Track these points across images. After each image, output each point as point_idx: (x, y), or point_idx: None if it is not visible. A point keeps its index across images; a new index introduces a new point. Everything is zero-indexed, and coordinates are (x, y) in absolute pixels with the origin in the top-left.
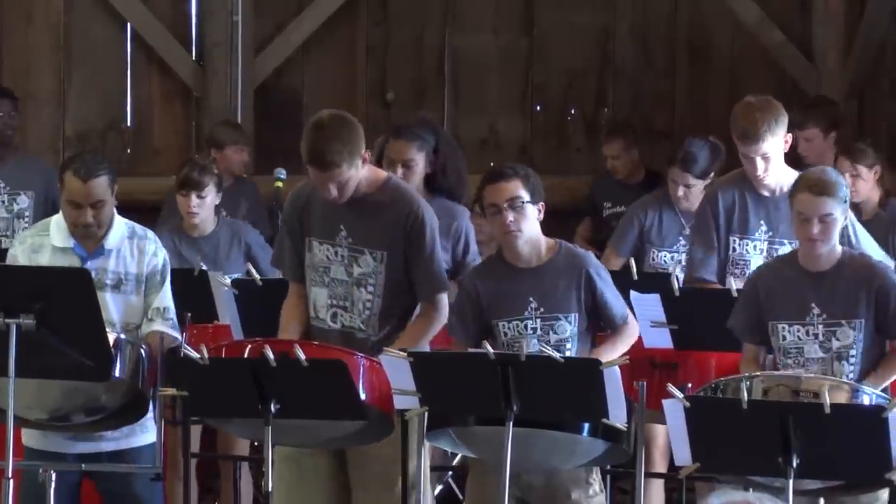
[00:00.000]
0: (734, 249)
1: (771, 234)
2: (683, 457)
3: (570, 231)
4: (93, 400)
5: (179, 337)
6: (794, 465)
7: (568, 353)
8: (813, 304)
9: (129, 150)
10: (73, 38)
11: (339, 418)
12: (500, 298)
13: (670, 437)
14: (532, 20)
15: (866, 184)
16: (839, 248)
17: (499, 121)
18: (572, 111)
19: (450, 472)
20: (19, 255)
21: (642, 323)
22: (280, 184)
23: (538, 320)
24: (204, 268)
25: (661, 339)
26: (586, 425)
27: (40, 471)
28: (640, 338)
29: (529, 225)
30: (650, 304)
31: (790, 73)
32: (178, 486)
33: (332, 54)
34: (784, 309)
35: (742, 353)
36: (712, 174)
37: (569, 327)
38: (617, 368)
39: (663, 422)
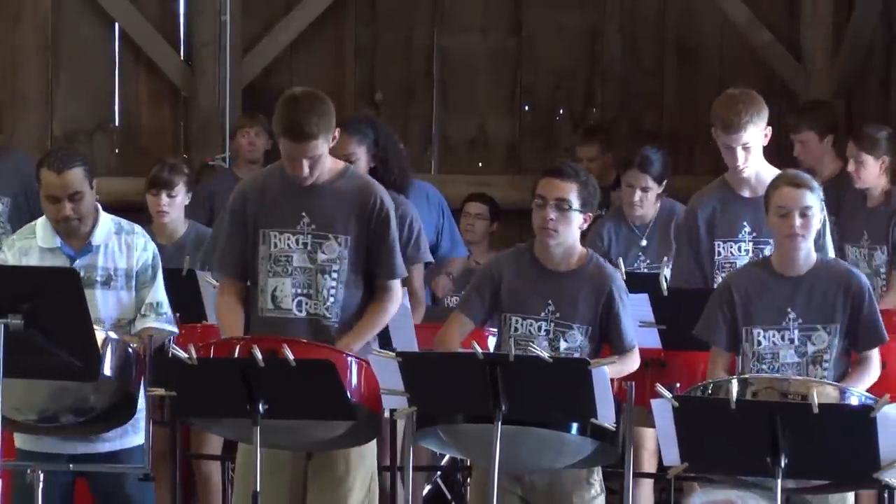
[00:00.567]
0: (719, 253)
1: (755, 234)
2: (672, 457)
3: None
4: (81, 400)
5: (175, 329)
6: (783, 464)
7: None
8: (789, 309)
9: (116, 150)
10: (61, 37)
11: (328, 418)
12: (520, 293)
13: (658, 438)
14: (520, 21)
15: (870, 173)
16: (815, 254)
17: (487, 121)
18: (561, 111)
19: (438, 472)
20: (9, 259)
21: None
22: None
23: (552, 324)
24: (191, 267)
25: (650, 339)
26: (575, 425)
27: (28, 471)
28: None
29: (569, 230)
30: (638, 304)
31: (779, 73)
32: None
33: (320, 54)
34: (761, 314)
35: (713, 359)
36: (665, 182)
37: (580, 338)
38: (606, 369)
39: (652, 423)
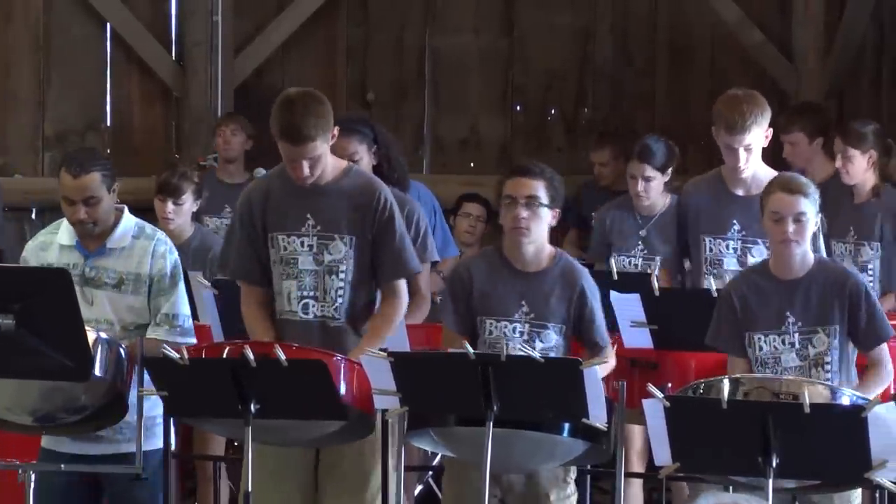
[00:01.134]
0: (710, 249)
1: (744, 232)
2: (663, 457)
3: (551, 230)
4: (72, 400)
5: (189, 342)
6: (774, 464)
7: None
8: (788, 313)
9: (108, 150)
10: (53, 37)
11: (320, 418)
12: (492, 296)
13: (650, 437)
14: (512, 21)
15: (857, 168)
16: (811, 255)
17: (479, 121)
18: (552, 111)
19: (430, 472)
20: (29, 252)
21: (622, 323)
22: None
23: (526, 325)
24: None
25: (641, 339)
26: (566, 425)
27: (20, 471)
28: (619, 338)
29: (540, 227)
30: (630, 304)
31: (770, 73)
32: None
33: (312, 54)
34: (760, 319)
35: (729, 367)
36: (670, 171)
37: (555, 337)
38: (597, 368)
39: (642, 422)
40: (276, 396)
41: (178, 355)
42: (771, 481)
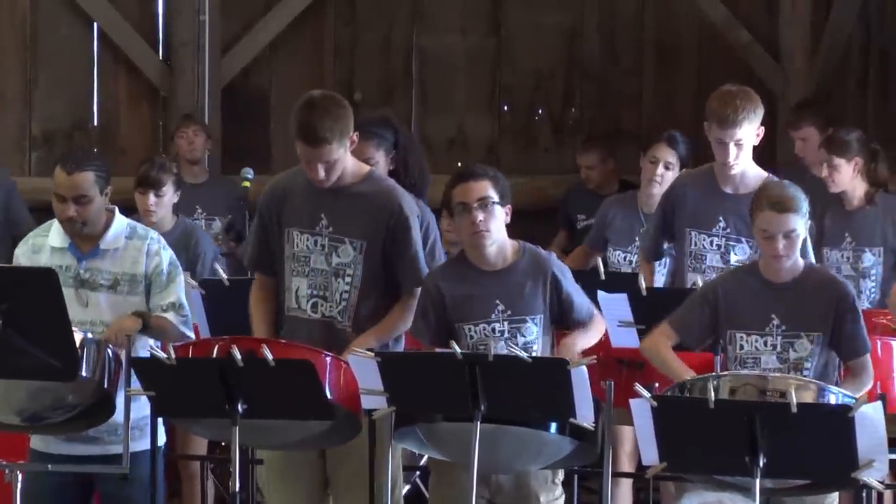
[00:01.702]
0: (694, 244)
1: (729, 230)
2: (651, 456)
3: (538, 231)
4: (59, 400)
5: (191, 335)
6: (761, 464)
7: (535, 355)
8: (773, 316)
9: (95, 150)
10: (40, 37)
11: (307, 418)
12: (466, 301)
13: (637, 437)
14: (499, 21)
15: (843, 176)
16: (801, 261)
17: (466, 121)
18: (539, 111)
19: (417, 472)
20: (21, 255)
21: (610, 323)
22: (247, 183)
23: (505, 323)
24: None
25: (629, 339)
26: (554, 425)
27: (7, 471)
28: (607, 338)
29: (497, 226)
30: (617, 304)
31: (757, 73)
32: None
33: (299, 54)
34: (744, 318)
35: (661, 331)
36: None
37: (535, 329)
38: (585, 368)
39: (630, 422)
40: (264, 396)
41: (165, 355)
42: (758, 481)
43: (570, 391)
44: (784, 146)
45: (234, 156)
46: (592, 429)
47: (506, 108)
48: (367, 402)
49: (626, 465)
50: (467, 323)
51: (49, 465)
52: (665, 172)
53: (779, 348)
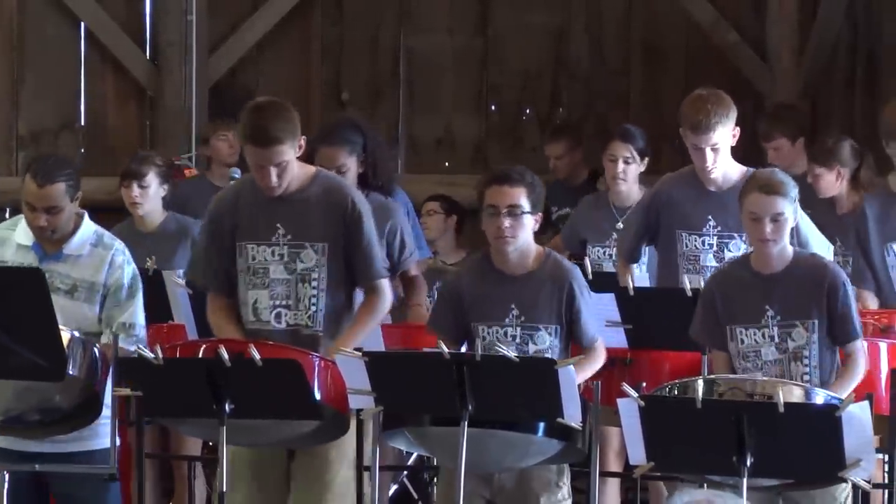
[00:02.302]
0: (686, 245)
1: (720, 228)
2: (638, 456)
3: None
4: (46, 400)
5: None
6: (748, 463)
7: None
8: (767, 307)
9: (82, 150)
10: (27, 37)
11: (294, 418)
12: (483, 301)
13: (625, 437)
14: (487, 21)
15: (826, 184)
16: (790, 249)
17: (454, 121)
18: (527, 111)
19: (404, 472)
20: None
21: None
22: None
23: (518, 328)
24: (150, 266)
25: (616, 339)
26: (541, 425)
27: None
28: None
29: (524, 234)
30: (605, 304)
31: (744, 73)
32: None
33: (286, 54)
34: (740, 313)
35: (712, 361)
36: (645, 162)
37: (548, 339)
38: (572, 368)
39: (617, 422)
40: (251, 396)
41: (152, 355)
42: (745, 480)
43: (557, 391)
44: None
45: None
46: (580, 429)
47: (493, 108)
48: (354, 402)
49: (614, 465)
50: (482, 323)
51: (36, 465)
52: (626, 167)
53: (777, 339)
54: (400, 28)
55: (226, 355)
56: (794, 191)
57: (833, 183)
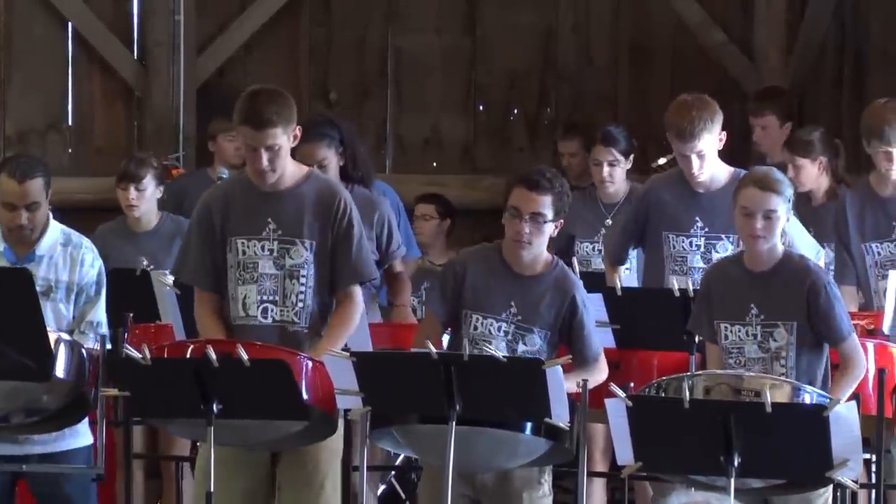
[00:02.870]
0: (673, 247)
1: (707, 229)
2: (625, 456)
3: None
4: (33, 401)
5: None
6: (736, 463)
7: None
8: (752, 305)
9: (70, 150)
10: (14, 37)
11: (282, 418)
12: (484, 292)
13: (612, 437)
14: (475, 20)
15: (808, 175)
16: (781, 249)
17: (442, 121)
18: (515, 111)
19: (392, 472)
20: None
21: None
22: None
23: (512, 325)
24: (144, 267)
25: (604, 339)
26: (529, 424)
27: None
28: None
29: (542, 240)
30: (593, 304)
31: (732, 73)
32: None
33: (274, 54)
34: (725, 308)
35: (706, 353)
36: (631, 159)
37: (539, 342)
38: (560, 368)
39: (605, 421)
40: (239, 396)
41: (140, 355)
42: (733, 481)
43: (545, 391)
44: None
45: (209, 156)
46: (567, 428)
47: (481, 107)
48: (342, 402)
49: (600, 465)
50: (477, 313)
51: (23, 466)
52: (611, 170)
53: (759, 338)
54: (388, 28)
55: (213, 356)
56: (788, 191)
57: (814, 174)
